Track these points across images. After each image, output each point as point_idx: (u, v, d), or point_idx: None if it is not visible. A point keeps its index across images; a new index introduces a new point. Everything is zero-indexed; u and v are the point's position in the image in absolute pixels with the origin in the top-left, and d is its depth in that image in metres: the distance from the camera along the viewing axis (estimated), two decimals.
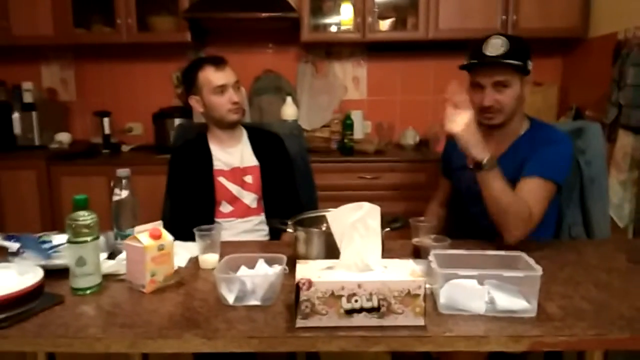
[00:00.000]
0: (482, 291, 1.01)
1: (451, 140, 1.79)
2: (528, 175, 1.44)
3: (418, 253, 1.28)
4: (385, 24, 3.15)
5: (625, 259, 1.33)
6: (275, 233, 1.78)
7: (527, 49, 1.54)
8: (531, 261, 1.06)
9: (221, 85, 1.78)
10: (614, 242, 1.74)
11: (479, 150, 1.37)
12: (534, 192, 1.41)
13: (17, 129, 3.12)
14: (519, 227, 1.36)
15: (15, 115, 3.11)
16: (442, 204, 1.86)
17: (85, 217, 1.11)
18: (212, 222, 1.76)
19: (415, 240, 1.32)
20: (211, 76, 1.79)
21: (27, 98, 3.10)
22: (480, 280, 1.02)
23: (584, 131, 1.74)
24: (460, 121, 1.37)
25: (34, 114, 3.12)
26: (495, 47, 1.50)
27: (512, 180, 1.50)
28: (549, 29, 2.97)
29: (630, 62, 2.40)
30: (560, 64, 3.33)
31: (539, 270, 1.00)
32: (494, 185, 1.37)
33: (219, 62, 1.81)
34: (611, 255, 1.37)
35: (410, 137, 3.19)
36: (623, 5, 2.67)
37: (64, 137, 3.23)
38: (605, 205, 1.75)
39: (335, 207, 1.12)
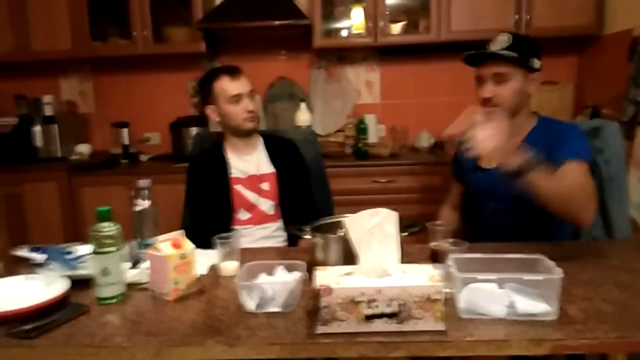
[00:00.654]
0: (502, 295, 1.01)
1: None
2: (562, 162, 1.44)
3: (436, 257, 1.29)
4: (396, 28, 3.15)
5: None
6: (293, 238, 1.80)
7: (533, 46, 1.57)
8: (551, 264, 1.05)
9: (236, 94, 1.80)
10: (635, 242, 1.72)
11: (514, 156, 1.30)
12: (577, 172, 1.42)
13: (38, 141, 3.19)
14: (589, 204, 1.37)
15: (37, 128, 3.18)
16: (455, 207, 1.86)
17: (109, 228, 1.14)
18: (230, 229, 1.78)
19: (433, 244, 1.32)
20: (226, 86, 1.81)
21: (48, 111, 3.17)
22: (500, 284, 1.02)
23: (602, 130, 1.73)
24: (486, 139, 1.29)
25: (54, 126, 3.18)
26: (499, 42, 1.55)
27: None
28: (562, 28, 2.94)
29: None
30: (575, 62, 3.30)
31: (559, 273, 1.00)
32: (546, 182, 1.31)
33: (233, 72, 1.83)
34: (632, 256, 1.36)
35: (425, 140, 3.19)
36: (638, 1, 2.64)
37: (84, 149, 3.29)
38: (625, 205, 1.73)
39: (351, 211, 1.13)
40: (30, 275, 1.24)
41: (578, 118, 3.03)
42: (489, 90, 1.55)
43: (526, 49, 1.54)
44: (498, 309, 1.00)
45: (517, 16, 2.95)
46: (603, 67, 3.00)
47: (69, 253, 1.36)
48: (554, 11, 2.93)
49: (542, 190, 1.31)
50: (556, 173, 1.41)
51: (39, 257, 1.32)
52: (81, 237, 1.71)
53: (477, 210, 1.70)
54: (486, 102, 1.56)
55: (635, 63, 2.44)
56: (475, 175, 1.69)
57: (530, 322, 0.98)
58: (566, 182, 1.38)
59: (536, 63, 1.55)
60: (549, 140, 1.52)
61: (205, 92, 1.88)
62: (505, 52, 1.52)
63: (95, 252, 1.14)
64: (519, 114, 1.58)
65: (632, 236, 1.76)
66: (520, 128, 1.59)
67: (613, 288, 1.13)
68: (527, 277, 1.02)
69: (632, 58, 2.49)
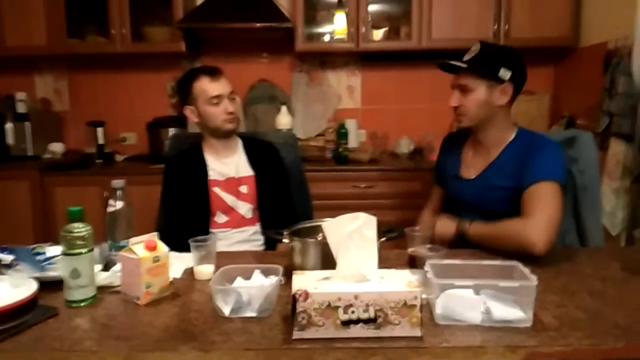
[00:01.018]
0: (478, 301, 1.01)
1: (444, 149, 1.82)
2: (531, 183, 1.45)
3: (414, 263, 1.29)
4: (378, 34, 3.18)
5: (619, 268, 1.34)
6: (271, 243, 1.78)
7: (505, 56, 1.55)
8: (526, 271, 1.06)
9: (216, 95, 1.78)
10: (608, 250, 1.76)
11: (453, 227, 1.53)
12: (543, 196, 1.43)
13: (10, 139, 3.11)
14: (531, 239, 1.34)
15: (9, 126, 3.10)
16: (436, 211, 1.86)
17: (80, 229, 1.11)
18: (207, 232, 1.76)
19: (410, 250, 1.32)
20: (206, 86, 1.79)
21: (21, 108, 3.10)
22: (476, 290, 1.02)
23: (577, 140, 1.76)
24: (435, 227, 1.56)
25: (27, 124, 3.11)
26: (470, 51, 1.55)
27: (503, 188, 1.54)
28: (540, 39, 3.01)
29: (621, 71, 2.43)
30: (552, 73, 3.37)
31: (534, 280, 1.01)
32: (483, 234, 1.46)
33: (214, 73, 1.81)
34: (605, 264, 1.38)
35: (405, 146, 3.21)
36: (613, 15, 2.71)
37: (57, 147, 3.22)
38: (598, 213, 1.77)
39: (330, 216, 1.12)
40: None
41: (554, 128, 3.10)
42: (454, 99, 1.58)
43: (494, 60, 1.53)
44: (474, 315, 1.00)
45: (496, 26, 3.00)
46: (579, 78, 3.07)
47: (39, 254, 1.32)
48: (532, 22, 3.00)
49: (485, 243, 1.44)
50: (524, 196, 1.45)
51: (6, 257, 1.27)
52: (52, 239, 1.67)
53: (457, 216, 1.70)
54: (455, 111, 1.60)
55: (609, 75, 2.50)
56: (455, 184, 1.71)
57: (505, 328, 0.98)
58: (503, 229, 1.42)
59: (506, 74, 1.52)
60: (523, 156, 1.52)
61: (184, 93, 1.85)
62: (459, 63, 1.53)
63: (65, 254, 1.10)
64: (492, 126, 1.58)
65: (604, 244, 1.79)
66: (497, 141, 1.60)
67: (586, 295, 1.15)
68: (503, 283, 1.03)
69: (606, 70, 2.55)
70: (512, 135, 1.60)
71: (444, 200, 1.83)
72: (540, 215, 1.38)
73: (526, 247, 1.34)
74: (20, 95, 3.09)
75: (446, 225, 1.55)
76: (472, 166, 1.66)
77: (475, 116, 1.56)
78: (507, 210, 1.49)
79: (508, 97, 1.55)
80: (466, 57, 1.55)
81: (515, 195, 1.50)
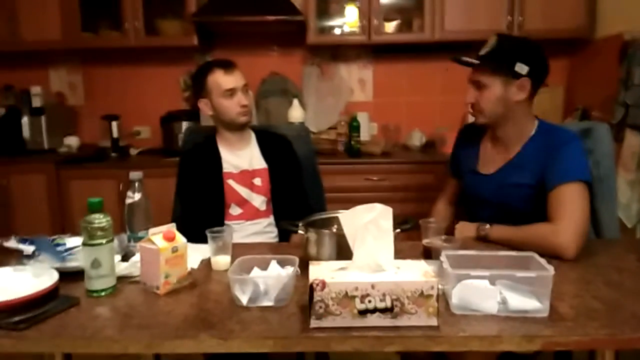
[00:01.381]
0: (494, 291, 1.01)
1: (461, 141, 1.80)
2: (557, 184, 1.41)
3: (429, 254, 1.29)
4: (390, 26, 3.16)
5: (635, 259, 1.34)
6: (284, 235, 1.79)
7: (522, 50, 1.49)
8: (543, 261, 1.06)
9: (230, 88, 1.79)
10: (624, 242, 1.75)
11: (472, 231, 1.50)
12: (571, 198, 1.38)
13: (26, 133, 3.15)
14: (562, 244, 1.31)
15: (24, 120, 3.14)
16: (450, 203, 1.85)
17: (100, 219, 1.13)
18: (222, 224, 1.77)
19: (425, 241, 1.33)
20: (220, 79, 1.80)
21: (36, 102, 3.13)
22: (492, 281, 1.03)
23: (592, 132, 1.74)
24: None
25: (42, 118, 3.15)
26: (486, 46, 1.51)
27: (523, 185, 1.51)
28: (554, 30, 2.97)
29: (637, 62, 2.40)
30: (566, 65, 3.33)
31: (550, 270, 1.01)
32: (508, 239, 1.41)
33: (228, 66, 1.82)
34: (621, 255, 1.37)
35: (417, 139, 3.20)
36: (629, 6, 2.67)
37: (72, 141, 3.26)
38: (613, 206, 1.75)
39: (343, 208, 1.13)
40: (18, 267, 1.22)
41: (567, 120, 3.07)
42: (470, 95, 1.54)
43: (510, 54, 1.48)
44: (490, 306, 1.00)
45: (509, 18, 2.97)
46: (593, 70, 3.04)
47: (59, 245, 1.34)
48: (547, 14, 2.96)
49: (510, 245, 1.38)
50: (550, 198, 1.41)
51: (27, 248, 1.30)
52: (68, 231, 1.69)
53: (474, 213, 1.68)
54: (471, 107, 1.57)
55: (625, 66, 2.48)
56: (472, 179, 1.68)
57: (521, 318, 0.98)
58: (531, 233, 1.37)
59: (522, 68, 1.47)
60: (545, 154, 1.48)
61: (198, 86, 1.86)
62: (471, 60, 1.49)
63: (85, 244, 1.13)
64: (511, 122, 1.54)
65: (620, 236, 1.78)
66: (517, 136, 1.56)
67: (602, 286, 1.15)
68: (519, 274, 1.03)
69: (622, 61, 2.52)
70: (533, 130, 1.56)
71: (458, 192, 1.82)
72: (570, 219, 1.34)
73: (557, 252, 1.30)
74: (36, 90, 3.13)
75: (466, 229, 1.53)
76: (490, 161, 1.62)
77: (492, 113, 1.53)
78: (526, 207, 1.47)
79: (526, 92, 1.50)
80: (482, 52, 1.51)
81: (535, 192, 1.47)
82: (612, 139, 1.79)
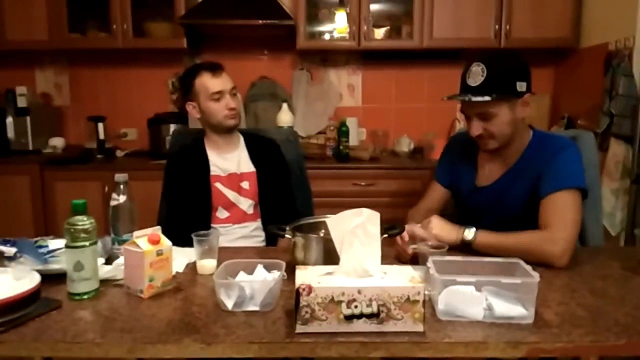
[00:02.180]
0: (480, 297, 1.01)
1: (454, 153, 1.74)
2: (550, 192, 1.40)
3: (416, 259, 1.29)
4: (380, 33, 3.18)
5: (619, 267, 1.35)
6: (271, 239, 1.78)
7: (514, 70, 1.45)
8: (528, 268, 1.07)
9: (218, 91, 1.78)
10: (608, 250, 1.77)
11: (453, 234, 1.39)
12: (563, 206, 1.38)
13: (10, 133, 3.11)
14: (554, 253, 1.30)
15: (9, 120, 3.11)
16: (430, 209, 1.71)
17: (84, 221, 1.11)
18: (209, 227, 1.76)
19: (412, 246, 1.33)
20: (208, 82, 1.79)
21: (21, 103, 3.10)
22: (478, 287, 1.03)
23: (577, 140, 1.75)
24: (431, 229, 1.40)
25: (27, 118, 3.12)
26: (475, 76, 1.42)
27: (524, 193, 1.49)
28: (541, 39, 3.02)
29: (621, 72, 2.44)
30: (552, 73, 3.38)
31: (536, 277, 1.01)
32: (493, 246, 1.35)
33: (215, 69, 1.81)
34: (606, 263, 1.39)
35: (405, 145, 3.21)
36: (614, 17, 2.72)
37: (57, 142, 3.22)
38: (598, 214, 1.77)
39: (331, 213, 1.13)
40: None
41: (553, 128, 3.10)
42: (476, 127, 1.47)
43: (507, 76, 1.42)
44: (476, 312, 1.01)
45: (497, 26, 3.00)
46: (579, 79, 3.08)
47: (41, 247, 1.32)
48: (534, 23, 3.00)
49: (496, 253, 1.29)
50: (543, 205, 1.39)
51: (9, 250, 1.27)
52: (52, 233, 1.67)
53: (471, 224, 1.52)
54: (479, 138, 1.49)
55: (609, 76, 2.51)
56: (472, 196, 1.63)
57: (507, 325, 0.99)
58: (520, 241, 1.33)
59: (522, 86, 1.43)
60: (540, 161, 1.47)
61: (186, 88, 1.85)
62: (475, 98, 1.40)
63: (68, 246, 1.11)
64: (515, 137, 1.51)
65: (604, 244, 1.80)
66: (515, 148, 1.53)
67: (587, 293, 1.15)
68: (505, 280, 1.03)
69: (607, 71, 2.56)
70: (528, 139, 1.54)
71: (443, 200, 1.75)
72: (562, 228, 1.33)
73: (550, 260, 1.30)
74: (21, 90, 3.09)
75: (444, 230, 1.40)
76: (488, 173, 1.59)
77: (505, 137, 1.48)
78: (523, 216, 1.46)
79: (529, 105, 1.48)
80: (473, 83, 1.42)
81: (532, 200, 1.45)
82: (597, 148, 1.81)
